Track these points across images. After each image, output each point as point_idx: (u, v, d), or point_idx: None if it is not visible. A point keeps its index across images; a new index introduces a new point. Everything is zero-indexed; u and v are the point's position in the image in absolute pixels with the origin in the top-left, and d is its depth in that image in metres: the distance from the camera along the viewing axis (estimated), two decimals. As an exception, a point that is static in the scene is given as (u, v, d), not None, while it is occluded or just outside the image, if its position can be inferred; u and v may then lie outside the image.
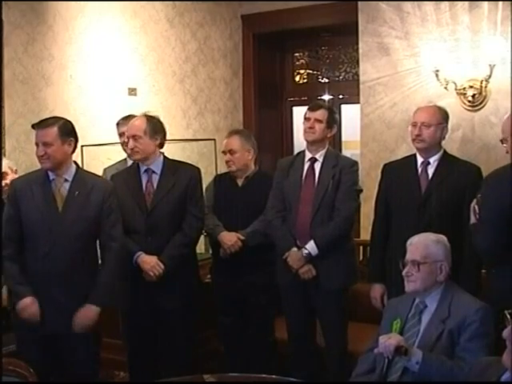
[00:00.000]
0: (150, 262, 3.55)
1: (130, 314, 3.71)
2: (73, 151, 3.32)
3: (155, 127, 3.65)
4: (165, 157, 3.76)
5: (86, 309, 3.24)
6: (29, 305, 3.17)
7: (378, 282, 3.61)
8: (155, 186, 3.65)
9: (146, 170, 3.67)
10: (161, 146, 3.71)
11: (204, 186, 4.13)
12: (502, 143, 3.04)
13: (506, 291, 2.75)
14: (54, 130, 3.21)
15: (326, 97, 6.41)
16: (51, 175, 3.27)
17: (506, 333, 2.07)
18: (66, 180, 3.27)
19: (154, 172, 3.67)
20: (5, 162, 3.97)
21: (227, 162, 4.01)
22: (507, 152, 3.09)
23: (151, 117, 3.70)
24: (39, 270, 3.19)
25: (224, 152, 4.04)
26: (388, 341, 2.57)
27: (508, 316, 2.09)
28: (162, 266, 3.55)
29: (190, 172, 3.74)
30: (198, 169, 3.82)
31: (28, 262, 3.22)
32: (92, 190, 3.28)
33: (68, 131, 3.28)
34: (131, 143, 3.63)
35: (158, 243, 3.60)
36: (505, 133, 3.05)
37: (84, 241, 3.27)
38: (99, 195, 3.30)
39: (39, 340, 3.20)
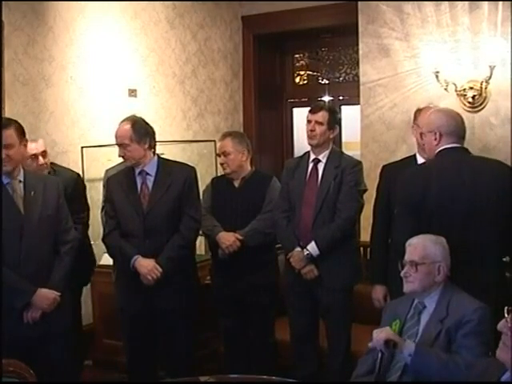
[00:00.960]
0: (148, 266, 3.53)
1: (130, 315, 3.70)
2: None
3: (141, 131, 3.60)
4: (159, 158, 3.73)
5: (45, 291, 3.18)
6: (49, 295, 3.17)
7: (380, 283, 3.61)
8: (150, 188, 3.62)
9: (140, 173, 3.64)
10: (151, 147, 3.66)
11: (203, 188, 4.14)
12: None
13: None
14: (12, 130, 3.14)
15: (326, 98, 6.42)
16: (5, 179, 3.18)
17: (501, 324, 2.07)
18: (20, 181, 3.22)
19: (148, 174, 3.64)
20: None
21: (222, 164, 4.02)
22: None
23: (136, 121, 3.65)
24: (21, 276, 3.12)
25: (218, 155, 4.05)
26: (379, 335, 2.59)
27: (506, 313, 2.08)
28: (160, 270, 3.53)
29: (186, 172, 3.71)
30: (194, 168, 3.79)
31: (8, 270, 3.10)
32: (45, 188, 3.25)
33: (22, 131, 3.21)
34: (120, 151, 3.62)
35: (156, 245, 3.57)
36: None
37: (53, 238, 3.24)
38: (53, 193, 3.27)
39: (14, 343, 3.06)
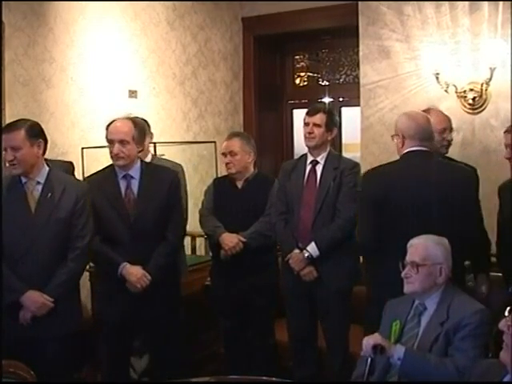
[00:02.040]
0: (137, 274, 3.44)
1: (111, 318, 3.56)
2: (43, 153, 3.24)
3: (141, 132, 3.56)
4: (142, 161, 3.64)
5: (35, 294, 3.13)
6: (38, 298, 3.13)
7: None
8: (135, 192, 3.51)
9: (124, 176, 3.53)
10: (142, 150, 3.62)
11: (204, 189, 4.14)
12: (393, 139, 3.27)
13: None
14: (21, 132, 3.11)
15: (327, 99, 6.41)
16: (23, 178, 3.19)
17: (501, 323, 2.07)
18: (39, 183, 3.20)
19: (132, 177, 3.53)
20: None
21: (227, 164, 4.00)
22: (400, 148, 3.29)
23: (138, 121, 3.59)
24: (16, 274, 3.12)
25: (224, 154, 4.02)
26: (368, 341, 2.60)
27: (507, 313, 2.08)
28: (149, 278, 3.45)
29: (171, 176, 3.64)
30: (178, 172, 3.75)
31: (4, 266, 3.11)
32: (64, 192, 3.21)
33: (36, 133, 3.18)
34: (117, 148, 3.46)
35: (142, 251, 3.47)
36: (396, 130, 3.25)
37: (59, 242, 3.20)
38: (72, 196, 3.22)
39: (11, 343, 3.03)
